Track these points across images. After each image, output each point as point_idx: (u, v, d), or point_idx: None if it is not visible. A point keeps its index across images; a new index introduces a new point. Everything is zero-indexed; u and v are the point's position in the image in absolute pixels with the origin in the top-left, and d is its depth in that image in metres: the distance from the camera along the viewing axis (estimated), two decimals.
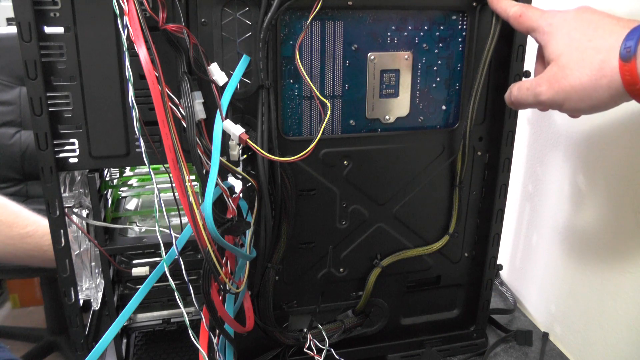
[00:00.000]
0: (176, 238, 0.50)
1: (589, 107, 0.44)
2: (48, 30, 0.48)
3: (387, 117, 0.60)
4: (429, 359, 0.69)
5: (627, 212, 0.63)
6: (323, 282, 0.64)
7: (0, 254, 0.71)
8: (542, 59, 0.50)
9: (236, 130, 0.50)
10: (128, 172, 0.72)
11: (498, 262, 0.69)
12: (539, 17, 0.49)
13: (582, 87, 0.43)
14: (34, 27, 0.47)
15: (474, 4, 0.58)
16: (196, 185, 0.64)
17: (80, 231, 0.59)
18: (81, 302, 0.59)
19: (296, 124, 0.58)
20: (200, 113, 0.50)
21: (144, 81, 0.45)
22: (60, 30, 0.48)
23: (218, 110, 0.50)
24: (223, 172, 0.52)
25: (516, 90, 0.49)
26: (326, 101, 0.56)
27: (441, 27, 0.58)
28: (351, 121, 0.59)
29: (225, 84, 0.51)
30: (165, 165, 0.46)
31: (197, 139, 0.48)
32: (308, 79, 0.56)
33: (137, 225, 0.65)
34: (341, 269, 0.64)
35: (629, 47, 0.40)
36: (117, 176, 0.69)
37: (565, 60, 0.44)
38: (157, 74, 0.45)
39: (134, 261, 0.63)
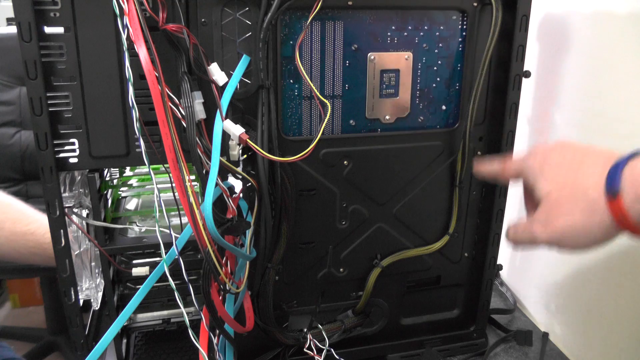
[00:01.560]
0: (176, 238, 0.50)
1: (585, 245, 0.44)
2: (48, 30, 0.48)
3: (387, 117, 0.60)
4: (429, 359, 0.69)
5: None
6: (323, 282, 0.64)
7: (3, 250, 0.71)
8: (531, 197, 0.50)
9: (236, 130, 0.50)
10: (128, 172, 0.72)
11: (498, 262, 0.69)
12: (522, 162, 0.50)
13: (576, 228, 0.43)
14: (34, 27, 0.47)
15: (474, 4, 0.58)
16: (196, 185, 0.64)
17: (80, 231, 0.58)
18: (81, 302, 0.59)
19: (296, 124, 0.58)
20: (200, 113, 0.50)
21: (144, 81, 0.45)
22: (60, 30, 0.48)
23: (218, 110, 0.50)
24: (223, 172, 0.52)
25: (513, 232, 0.49)
26: (326, 101, 0.56)
27: (441, 27, 0.58)
28: (351, 121, 0.59)
29: (225, 84, 0.51)
30: (165, 165, 0.46)
31: (197, 139, 0.48)
32: (308, 79, 0.56)
33: (137, 225, 0.65)
34: (341, 269, 0.64)
35: (613, 184, 0.40)
36: (117, 176, 0.69)
37: (555, 200, 0.45)
38: (157, 74, 0.45)
39: (134, 261, 0.63)
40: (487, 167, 0.55)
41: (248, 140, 0.49)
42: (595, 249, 0.44)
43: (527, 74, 0.61)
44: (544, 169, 0.47)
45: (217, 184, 0.48)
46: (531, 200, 0.49)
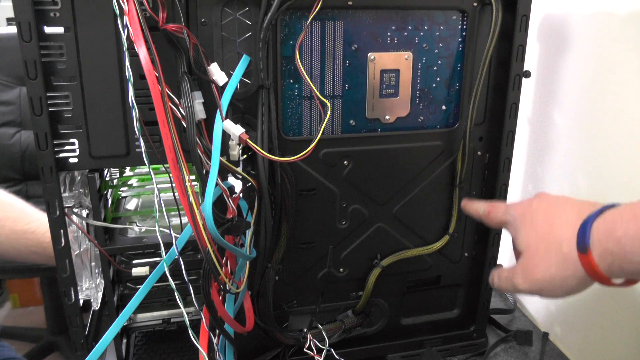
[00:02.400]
0: (176, 238, 0.50)
1: (564, 294, 0.46)
2: (48, 30, 0.48)
3: (387, 117, 0.60)
4: (429, 359, 0.69)
5: None
6: (323, 282, 0.64)
7: (3, 248, 0.71)
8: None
9: (236, 130, 0.50)
10: (128, 172, 0.72)
11: (498, 262, 0.69)
12: (505, 211, 0.53)
13: (552, 279, 0.45)
14: (34, 27, 0.47)
15: (474, 4, 0.58)
16: (196, 185, 0.64)
17: (80, 231, 0.58)
18: (81, 302, 0.59)
19: (296, 124, 0.58)
20: (200, 113, 0.50)
21: (144, 81, 0.45)
22: (60, 30, 0.48)
23: (218, 110, 0.50)
24: (223, 172, 0.52)
25: (497, 279, 0.52)
26: (326, 101, 0.56)
27: (441, 27, 0.58)
28: (351, 121, 0.59)
29: (225, 84, 0.51)
30: (165, 165, 0.46)
31: (197, 139, 0.48)
32: (308, 79, 0.56)
33: (137, 225, 0.65)
34: (341, 269, 0.64)
35: (583, 240, 0.42)
36: (117, 176, 0.69)
37: (532, 253, 0.47)
38: (157, 74, 0.45)
39: (134, 261, 0.63)
40: (474, 208, 0.58)
41: (248, 140, 0.49)
42: (571, 295, 0.46)
43: (527, 74, 0.61)
44: (523, 223, 0.49)
45: (217, 184, 0.48)
46: (517, 250, 0.52)
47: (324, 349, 0.62)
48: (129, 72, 0.46)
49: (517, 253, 0.50)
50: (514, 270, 0.49)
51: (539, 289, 0.46)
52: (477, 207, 0.57)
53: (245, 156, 0.53)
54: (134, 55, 0.45)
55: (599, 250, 0.41)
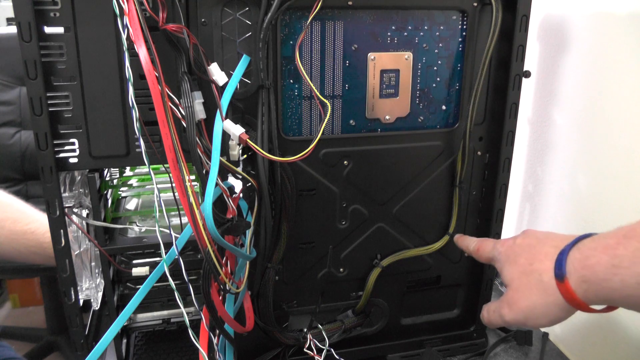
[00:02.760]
0: (176, 238, 0.50)
1: (548, 322, 0.48)
2: (48, 30, 0.48)
3: (387, 117, 0.60)
4: (429, 359, 0.69)
5: (627, 212, 0.63)
6: (323, 282, 0.64)
7: (3, 249, 0.71)
8: None
9: (236, 130, 0.50)
10: (128, 172, 0.72)
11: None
12: (492, 247, 0.56)
13: (535, 308, 0.48)
14: (34, 27, 0.47)
15: (474, 4, 0.58)
16: (196, 185, 0.64)
17: (80, 231, 0.59)
18: (81, 302, 0.59)
19: (296, 124, 0.58)
20: (200, 113, 0.50)
21: (144, 81, 0.45)
22: (60, 30, 0.48)
23: (218, 110, 0.50)
24: (223, 172, 0.52)
25: (486, 312, 0.54)
26: (326, 101, 0.56)
27: (441, 27, 0.58)
28: (351, 121, 0.59)
29: (225, 84, 0.51)
30: (165, 165, 0.46)
31: (197, 139, 0.48)
32: (308, 79, 0.56)
33: (137, 225, 0.65)
34: (341, 269, 0.64)
35: (560, 269, 0.45)
36: (117, 176, 0.69)
37: (516, 285, 0.50)
38: (157, 74, 0.45)
39: (134, 261, 0.63)
40: (465, 245, 0.61)
41: (248, 140, 0.49)
42: (558, 323, 0.48)
43: (527, 74, 0.61)
44: (508, 259, 0.52)
45: (217, 184, 0.48)
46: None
47: (324, 349, 0.62)
48: (129, 72, 0.46)
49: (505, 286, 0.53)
50: (501, 304, 0.51)
51: (524, 318, 0.49)
52: (468, 244, 0.61)
53: (245, 156, 0.53)
54: (134, 55, 0.45)
55: (575, 278, 0.44)
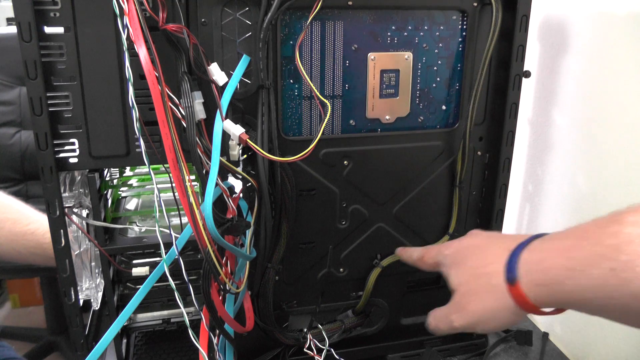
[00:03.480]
0: (176, 238, 0.50)
1: (499, 326, 0.47)
2: (48, 30, 0.48)
3: (387, 117, 0.60)
4: (429, 359, 0.69)
5: None
6: (323, 282, 0.64)
7: (3, 250, 0.71)
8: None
9: (236, 130, 0.50)
10: (128, 172, 0.72)
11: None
12: (437, 252, 0.55)
13: (485, 312, 0.46)
14: (34, 27, 0.47)
15: (474, 4, 0.58)
16: (196, 185, 0.64)
17: (80, 231, 0.58)
18: (81, 302, 0.59)
19: (296, 124, 0.58)
20: (200, 113, 0.49)
21: (144, 81, 0.45)
22: (60, 30, 0.48)
23: (218, 110, 0.50)
24: (223, 172, 0.52)
25: (433, 319, 0.52)
26: (326, 101, 0.56)
27: (441, 27, 0.58)
28: (351, 121, 0.59)
29: (225, 84, 0.51)
30: (165, 165, 0.46)
31: (197, 139, 0.48)
32: (308, 79, 0.56)
33: (137, 225, 0.65)
34: (341, 269, 0.64)
35: (511, 272, 0.44)
36: (117, 176, 0.69)
37: (464, 289, 0.49)
38: (157, 74, 0.45)
39: (134, 261, 0.63)
40: (408, 255, 0.60)
41: (248, 140, 0.49)
42: (509, 327, 0.48)
43: (527, 74, 0.61)
44: (455, 261, 0.51)
45: (217, 184, 0.48)
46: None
47: (324, 349, 0.62)
48: (129, 72, 0.46)
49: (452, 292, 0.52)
50: (449, 309, 0.50)
51: (474, 322, 0.48)
52: (411, 253, 0.59)
53: (245, 156, 0.53)
54: (134, 55, 0.45)
55: (527, 281, 0.43)
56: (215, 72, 0.50)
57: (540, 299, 0.42)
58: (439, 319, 0.51)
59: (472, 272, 0.49)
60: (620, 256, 0.36)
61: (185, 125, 0.48)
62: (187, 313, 0.51)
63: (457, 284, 0.50)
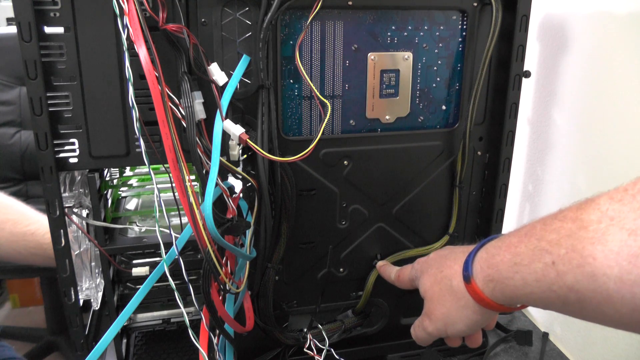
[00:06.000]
0: (176, 238, 0.50)
1: (466, 327, 0.49)
2: (48, 30, 0.48)
3: (387, 117, 0.60)
4: (429, 359, 0.69)
5: None
6: (323, 282, 0.64)
7: (4, 251, 0.71)
8: None
9: (236, 130, 0.50)
10: (128, 172, 0.72)
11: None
12: (410, 268, 0.57)
13: (450, 314, 0.49)
14: (34, 27, 0.47)
15: (474, 4, 0.58)
16: (196, 185, 0.64)
17: (80, 231, 0.58)
18: (81, 302, 0.59)
19: (296, 124, 0.58)
20: (200, 113, 0.49)
21: (144, 81, 0.45)
22: (60, 30, 0.48)
23: (218, 110, 0.50)
24: (223, 172, 0.52)
25: (412, 329, 0.55)
26: (326, 101, 0.56)
27: (441, 27, 0.58)
28: (351, 121, 0.59)
29: (225, 84, 0.51)
30: (165, 165, 0.46)
31: (197, 139, 0.48)
32: (308, 79, 0.56)
33: (137, 225, 0.65)
34: (341, 269, 0.64)
35: (467, 271, 0.46)
36: (117, 176, 0.69)
37: (430, 295, 0.51)
38: (157, 74, 0.45)
39: (134, 261, 0.63)
40: (387, 274, 0.61)
41: (248, 140, 0.49)
42: (479, 329, 0.49)
43: (527, 74, 0.61)
44: (422, 271, 0.54)
45: (217, 184, 0.48)
46: None
47: (324, 349, 0.62)
48: (129, 72, 0.46)
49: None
50: (422, 318, 0.53)
51: (443, 326, 0.50)
52: (390, 272, 0.61)
53: (245, 156, 0.53)
54: (134, 55, 0.45)
55: (481, 277, 0.45)
56: (215, 72, 0.50)
57: (495, 295, 0.44)
58: (416, 328, 0.54)
59: (435, 277, 0.51)
60: (560, 250, 0.37)
61: (185, 125, 0.48)
62: (187, 313, 0.51)
63: (424, 292, 0.52)
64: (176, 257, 0.49)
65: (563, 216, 0.39)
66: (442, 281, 0.50)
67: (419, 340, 0.55)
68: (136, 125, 0.46)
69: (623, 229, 0.33)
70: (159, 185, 0.49)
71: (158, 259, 0.63)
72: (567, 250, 0.37)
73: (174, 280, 0.48)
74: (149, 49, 0.44)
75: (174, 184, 0.46)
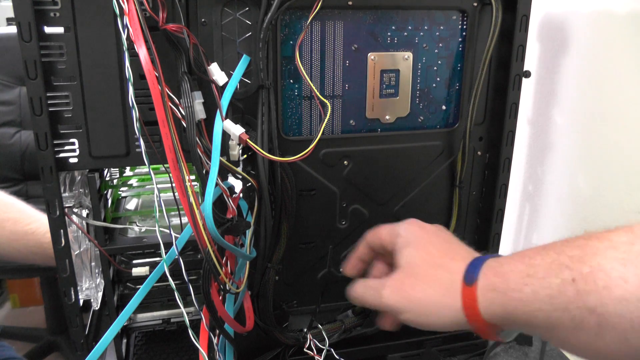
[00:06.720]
0: (176, 238, 0.50)
1: (426, 323, 0.44)
2: (48, 30, 0.48)
3: (387, 117, 0.60)
4: (429, 359, 0.69)
5: (627, 213, 0.63)
6: (323, 282, 0.64)
7: (4, 250, 0.71)
8: (384, 258, 0.52)
9: (236, 130, 0.50)
10: (128, 172, 0.72)
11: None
12: (393, 226, 0.50)
13: (427, 301, 0.44)
14: (34, 27, 0.47)
15: (474, 4, 0.58)
16: (196, 185, 0.64)
17: (80, 231, 0.58)
18: (81, 302, 0.59)
19: (296, 124, 0.58)
20: (200, 113, 0.49)
21: (144, 81, 0.45)
22: (60, 30, 0.48)
23: (218, 110, 0.50)
24: (223, 172, 0.52)
25: (361, 288, 0.49)
26: (326, 101, 0.56)
27: (441, 27, 0.58)
28: (351, 121, 0.59)
29: (225, 84, 0.51)
30: (165, 165, 0.46)
31: (197, 139, 0.48)
32: (308, 79, 0.56)
33: (137, 225, 0.65)
34: (341, 269, 0.64)
35: (472, 273, 0.42)
36: (117, 176, 0.69)
37: (416, 272, 0.46)
38: (157, 74, 0.45)
39: (134, 261, 0.63)
40: (351, 270, 0.54)
41: (248, 140, 0.49)
42: (430, 329, 0.44)
43: (527, 74, 0.61)
44: (417, 239, 0.48)
45: (217, 184, 0.48)
46: (383, 262, 0.51)
47: (324, 349, 0.62)
48: (129, 72, 0.46)
49: (385, 265, 0.50)
50: (383, 283, 0.47)
51: (405, 307, 0.45)
52: (355, 268, 0.54)
53: (245, 156, 0.53)
54: (134, 55, 0.45)
55: (484, 284, 0.41)
56: (215, 72, 0.50)
57: (492, 309, 0.40)
58: (368, 288, 0.48)
59: (432, 259, 0.46)
60: (583, 267, 0.35)
61: (185, 125, 0.48)
62: (187, 313, 0.51)
63: (409, 263, 0.46)
64: (176, 257, 0.49)
65: (588, 235, 0.36)
66: (438, 267, 0.45)
67: (359, 300, 0.49)
68: (136, 125, 0.46)
69: None
70: (159, 185, 0.49)
71: (158, 259, 0.63)
72: (591, 269, 0.34)
73: (174, 280, 0.48)
74: (149, 49, 0.44)
75: (174, 184, 0.46)
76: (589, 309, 0.34)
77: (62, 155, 0.52)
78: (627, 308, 0.32)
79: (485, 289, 0.41)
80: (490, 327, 0.41)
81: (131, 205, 0.71)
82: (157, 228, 0.49)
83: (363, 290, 0.49)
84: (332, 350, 0.63)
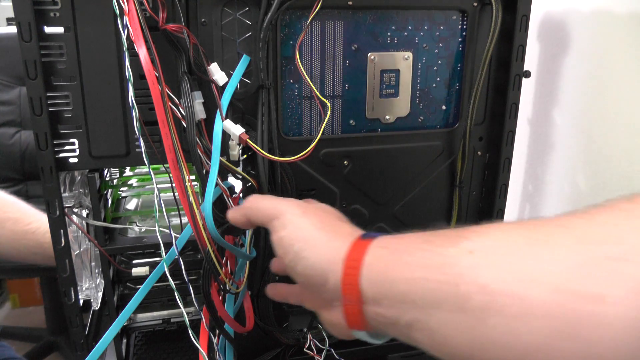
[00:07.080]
0: (176, 238, 0.50)
1: (299, 257, 0.39)
2: (48, 30, 0.48)
3: (387, 117, 0.60)
4: (429, 359, 0.68)
5: None
6: None
7: (4, 249, 0.71)
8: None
9: (236, 130, 0.50)
10: (128, 172, 0.72)
11: None
12: (276, 202, 0.44)
13: (312, 235, 0.40)
14: (34, 27, 0.46)
15: (474, 4, 0.58)
16: (196, 185, 0.64)
17: (80, 231, 0.58)
18: (81, 302, 0.59)
19: (296, 124, 0.58)
20: (200, 113, 0.49)
21: (144, 81, 0.45)
22: (60, 30, 0.48)
23: (218, 110, 0.50)
24: (223, 172, 0.52)
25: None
26: (326, 101, 0.56)
27: (441, 27, 0.58)
28: (351, 121, 0.59)
29: (225, 84, 0.51)
30: (165, 165, 0.46)
31: (197, 139, 0.48)
32: (308, 79, 0.56)
33: (137, 225, 0.65)
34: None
35: (371, 234, 0.38)
36: (117, 176, 0.69)
37: (304, 210, 0.42)
38: (157, 74, 0.45)
39: (134, 261, 0.63)
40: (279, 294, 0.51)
41: (248, 140, 0.49)
42: (299, 274, 0.40)
43: (527, 74, 0.61)
44: (304, 212, 0.43)
45: (217, 184, 0.48)
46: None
47: (324, 349, 0.62)
48: (129, 72, 0.46)
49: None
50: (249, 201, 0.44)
51: (281, 231, 0.41)
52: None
53: (245, 156, 0.53)
54: (134, 55, 0.45)
55: (379, 242, 0.37)
56: (215, 72, 0.50)
57: (375, 268, 0.36)
58: (239, 209, 0.46)
59: (323, 212, 0.42)
60: (486, 241, 0.34)
61: (185, 125, 0.48)
62: (187, 313, 0.51)
63: (292, 202, 0.43)
64: (176, 257, 0.49)
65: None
66: (329, 216, 0.42)
67: (232, 220, 0.46)
68: (136, 125, 0.46)
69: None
70: (159, 185, 0.49)
71: (158, 259, 0.63)
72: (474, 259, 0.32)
73: (174, 280, 0.48)
74: (149, 49, 0.45)
75: (174, 184, 0.46)
76: (480, 285, 0.30)
77: (62, 155, 0.52)
78: (522, 287, 0.28)
79: (377, 245, 0.37)
80: (359, 299, 0.37)
81: (131, 205, 0.71)
82: (157, 228, 0.49)
83: (230, 213, 0.46)
84: (332, 350, 0.63)
